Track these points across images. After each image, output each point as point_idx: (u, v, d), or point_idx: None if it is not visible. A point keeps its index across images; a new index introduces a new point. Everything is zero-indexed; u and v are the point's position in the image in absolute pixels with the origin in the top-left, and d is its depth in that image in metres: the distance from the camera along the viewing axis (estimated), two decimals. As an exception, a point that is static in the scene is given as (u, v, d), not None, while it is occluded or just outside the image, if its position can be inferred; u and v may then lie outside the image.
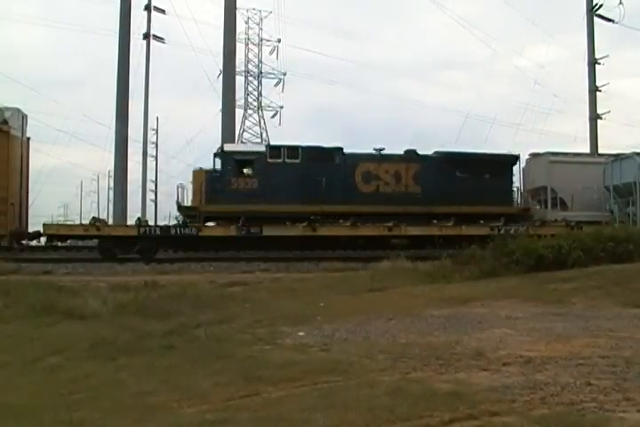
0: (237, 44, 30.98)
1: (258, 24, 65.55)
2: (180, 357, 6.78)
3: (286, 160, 21.96)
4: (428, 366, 5.88)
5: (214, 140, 25.85)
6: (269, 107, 65.70)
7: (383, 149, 22.91)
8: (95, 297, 10.84)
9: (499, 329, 7.64)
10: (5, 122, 18.97)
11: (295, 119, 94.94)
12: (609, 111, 33.76)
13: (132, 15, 30.40)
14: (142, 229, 20.14)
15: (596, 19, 33.45)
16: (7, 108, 19.51)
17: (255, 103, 65.78)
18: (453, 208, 21.91)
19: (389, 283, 13.04)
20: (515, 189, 24.02)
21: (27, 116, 20.47)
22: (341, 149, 22.88)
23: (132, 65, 29.81)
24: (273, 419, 4.45)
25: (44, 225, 20.04)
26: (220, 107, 27.50)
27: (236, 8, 28.15)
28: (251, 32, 65.16)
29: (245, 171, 22.13)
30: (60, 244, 21.82)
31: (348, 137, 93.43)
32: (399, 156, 23.23)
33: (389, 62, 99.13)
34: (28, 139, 20.53)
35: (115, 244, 20.04)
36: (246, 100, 64.81)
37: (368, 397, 4.86)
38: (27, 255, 19.63)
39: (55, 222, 20.19)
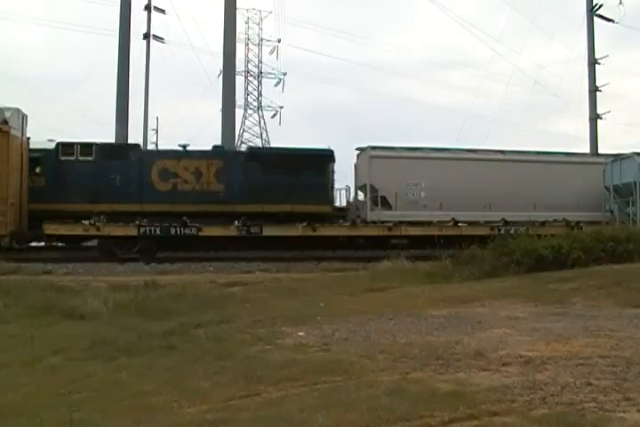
0: (237, 43, 30.92)
1: (258, 24, 65.56)
2: (180, 357, 6.79)
3: (79, 158, 21.19)
4: (428, 366, 5.88)
5: (215, 140, 25.81)
6: (269, 107, 65.73)
7: (187, 144, 22.26)
8: (95, 297, 10.83)
9: (499, 329, 7.64)
10: (5, 122, 18.94)
11: (295, 119, 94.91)
12: (609, 111, 33.73)
13: (132, 15, 30.42)
14: (142, 229, 20.11)
15: (596, 19, 33.42)
16: (7, 108, 19.48)
17: (255, 103, 65.80)
18: (257, 207, 21.07)
19: (389, 283, 13.05)
20: (331, 186, 22.81)
21: (27, 115, 20.44)
22: (138, 145, 22.43)
23: (132, 65, 29.80)
24: (273, 419, 4.46)
25: (43, 225, 20.03)
26: (220, 107, 27.49)
27: (236, 8, 28.10)
28: (251, 32, 65.18)
29: (37, 169, 21.15)
30: (59, 244, 21.75)
31: (349, 137, 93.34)
32: (202, 152, 22.40)
33: (389, 62, 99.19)
34: (28, 139, 20.50)
35: (115, 243, 20.03)
36: (246, 100, 64.85)
37: (368, 397, 4.86)
38: (27, 255, 19.61)
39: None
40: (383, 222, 21.43)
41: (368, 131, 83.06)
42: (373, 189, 21.82)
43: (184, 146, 22.06)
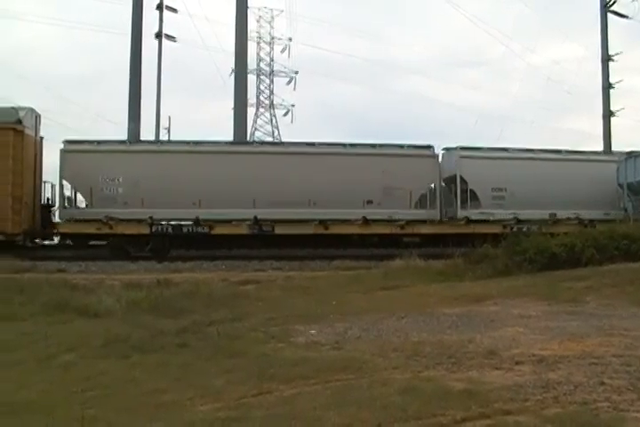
0: (249, 42, 30.94)
1: (269, 22, 65.79)
2: (192, 355, 6.81)
3: None
4: (441, 364, 5.88)
5: (226, 139, 25.81)
6: (281, 105, 66.01)
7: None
8: (108, 295, 10.88)
9: (511, 328, 7.62)
10: (19, 121, 19.09)
11: (308, 117, 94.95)
12: (623, 108, 33.55)
13: (144, 14, 30.50)
14: (154, 228, 20.18)
15: (610, 15, 33.24)
16: (21, 108, 19.62)
17: (267, 101, 66.00)
18: None
19: (402, 281, 13.03)
20: None
21: (40, 115, 20.58)
22: None
23: (144, 64, 29.88)
24: (285, 417, 4.47)
25: (56, 223, 20.16)
26: (232, 105, 27.52)
27: (247, 7, 28.14)
28: (262, 31, 65.49)
29: None
30: (71, 243, 21.84)
31: (362, 135, 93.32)
32: None
33: (402, 60, 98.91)
34: (42, 138, 20.65)
35: (127, 242, 20.12)
36: (258, 98, 65.11)
37: (380, 395, 4.86)
38: (41, 254, 19.73)
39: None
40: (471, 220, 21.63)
41: (382, 129, 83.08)
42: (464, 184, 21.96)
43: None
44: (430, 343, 6.82)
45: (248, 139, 34.48)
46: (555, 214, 21.91)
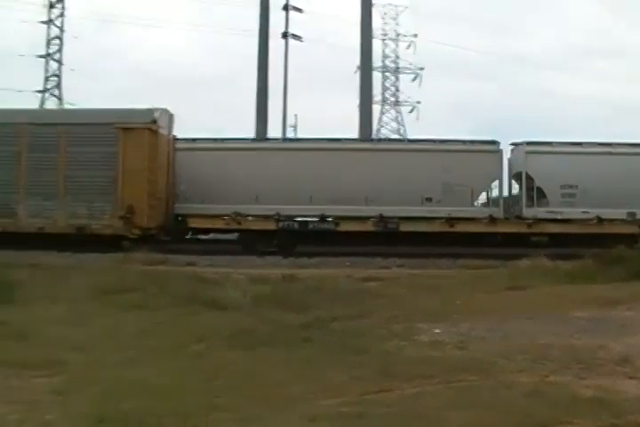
0: (374, 39, 31.06)
1: (394, 19, 65.53)
2: (316, 349, 6.90)
3: None
4: (569, 369, 5.69)
5: (352, 136, 26.04)
6: (406, 102, 65.64)
7: None
8: (235, 289, 11.18)
9: (647, 334, 7.26)
10: (154, 122, 20.03)
11: (434, 114, 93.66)
12: None
13: (271, 15, 31.21)
14: (280, 224, 20.63)
15: None
16: (155, 109, 20.58)
17: (392, 99, 65.85)
18: None
19: (529, 282, 12.65)
20: None
21: (173, 115, 21.51)
22: None
23: (271, 64, 30.59)
24: (407, 415, 4.48)
25: (188, 219, 21.02)
26: (358, 103, 27.73)
27: (372, 4, 28.24)
28: (387, 27, 65.26)
29: None
30: (203, 237, 22.73)
31: (490, 131, 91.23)
32: None
33: (533, 53, 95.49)
34: (174, 137, 21.58)
35: (255, 237, 20.68)
36: (383, 95, 65.06)
37: (505, 398, 4.78)
38: (172, 247, 20.61)
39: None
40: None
41: (511, 124, 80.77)
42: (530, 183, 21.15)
43: None
44: (558, 347, 6.61)
45: (373, 136, 34.62)
46: (634, 213, 20.44)
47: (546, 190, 20.81)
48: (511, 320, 8.39)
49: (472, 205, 21.09)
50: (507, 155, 21.56)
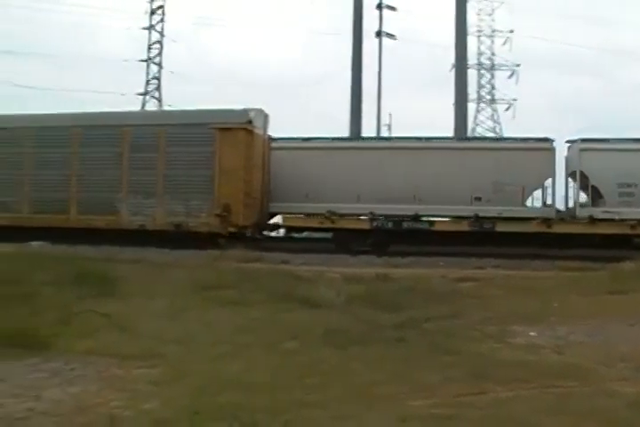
0: (469, 36, 30.58)
1: (490, 15, 64.21)
2: (409, 349, 6.85)
3: None
4: (677, 379, 5.44)
5: (446, 135, 25.74)
6: (502, 100, 64.25)
7: None
8: (329, 287, 11.24)
9: None
10: (249, 122, 20.44)
11: (532, 112, 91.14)
12: None
13: (364, 15, 31.18)
14: (374, 223, 20.65)
15: None
16: (251, 109, 21.01)
17: (488, 96, 64.61)
18: None
19: (631, 285, 12.13)
20: None
21: (268, 115, 21.89)
22: None
23: (365, 63, 30.59)
24: (501, 419, 4.40)
25: (283, 217, 21.37)
26: (453, 101, 27.41)
27: (467, 0, 27.82)
28: (482, 24, 64.01)
29: None
30: (296, 235, 23.02)
31: (592, 128, 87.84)
32: None
33: (636, 47, 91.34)
34: (269, 137, 21.94)
35: (348, 236, 20.78)
36: (479, 93, 63.90)
37: (605, 407, 4.61)
38: (266, 245, 20.99)
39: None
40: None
41: (615, 122, 77.55)
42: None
43: None
44: (664, 355, 6.33)
45: (469, 135, 34.13)
46: None
47: (601, 189, 20.00)
48: (612, 325, 8.10)
49: (522, 204, 20.58)
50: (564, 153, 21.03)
